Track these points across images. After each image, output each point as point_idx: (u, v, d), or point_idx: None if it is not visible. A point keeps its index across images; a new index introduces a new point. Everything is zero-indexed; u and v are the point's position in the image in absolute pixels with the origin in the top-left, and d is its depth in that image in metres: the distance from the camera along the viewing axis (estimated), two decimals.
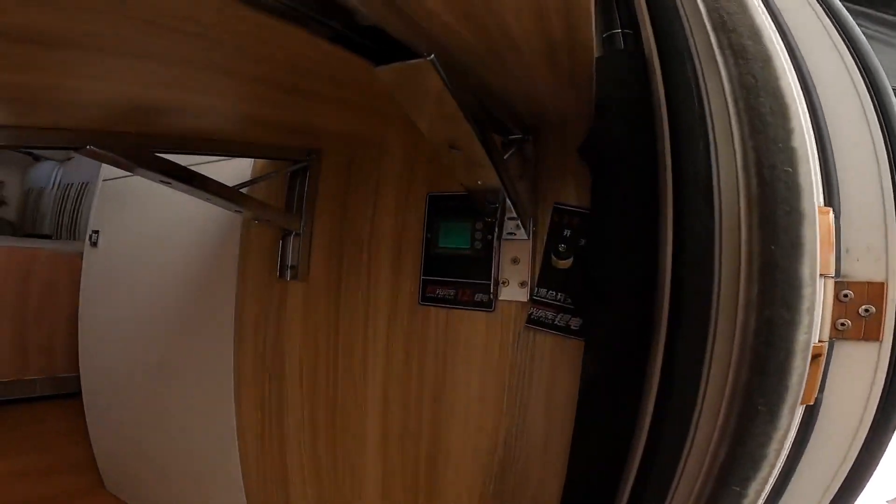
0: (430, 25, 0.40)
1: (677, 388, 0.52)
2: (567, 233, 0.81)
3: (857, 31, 0.57)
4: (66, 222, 2.97)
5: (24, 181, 3.50)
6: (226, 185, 0.87)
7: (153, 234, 1.43)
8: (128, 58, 0.43)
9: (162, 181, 0.76)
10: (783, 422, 0.39)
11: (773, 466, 0.41)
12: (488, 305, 0.87)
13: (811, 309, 0.38)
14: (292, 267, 1.08)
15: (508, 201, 0.67)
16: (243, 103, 0.63)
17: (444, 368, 0.91)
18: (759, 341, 0.38)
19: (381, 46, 0.36)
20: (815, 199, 0.38)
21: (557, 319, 0.81)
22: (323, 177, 1.10)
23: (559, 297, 0.81)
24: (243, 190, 0.92)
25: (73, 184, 3.04)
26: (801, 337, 0.38)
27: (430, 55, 0.33)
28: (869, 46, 0.54)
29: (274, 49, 0.44)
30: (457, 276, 0.90)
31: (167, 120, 0.72)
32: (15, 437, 1.86)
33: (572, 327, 0.80)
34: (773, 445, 0.40)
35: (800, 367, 0.38)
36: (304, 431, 1.08)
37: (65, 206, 3.02)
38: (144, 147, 0.74)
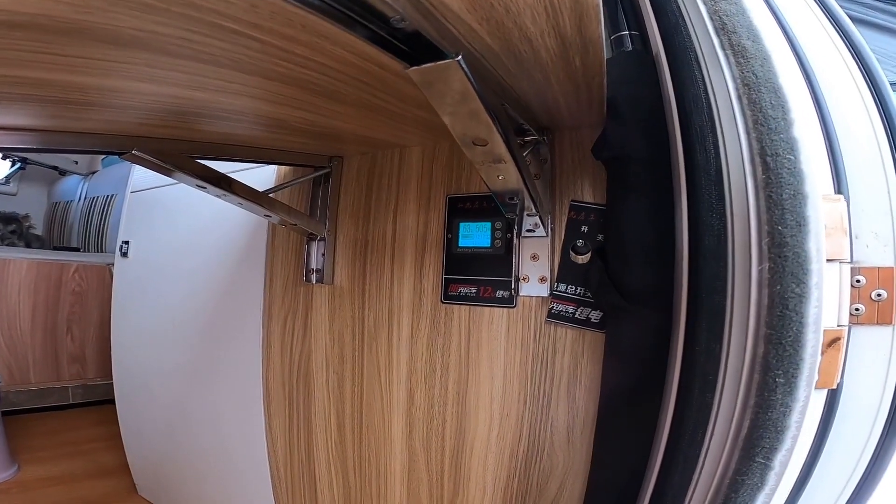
0: (456, 28, 0.43)
1: (699, 369, 0.54)
2: (584, 228, 0.84)
3: (851, 26, 0.60)
4: (92, 234, 3.05)
5: (50, 195, 3.61)
6: (256, 190, 0.92)
7: (181, 242, 1.48)
8: (185, 59, 0.47)
9: (198, 185, 0.81)
10: (801, 393, 0.42)
11: (795, 438, 0.44)
12: (510, 302, 0.90)
13: (819, 284, 0.40)
14: (318, 271, 1.13)
15: (528, 198, 0.70)
16: (280, 107, 0.67)
17: (467, 364, 0.94)
18: (773, 315, 0.41)
19: (414, 51, 0.40)
20: (818, 182, 0.41)
21: (578, 313, 0.84)
22: (345, 182, 1.15)
23: (578, 291, 0.84)
24: (270, 195, 0.96)
25: (98, 197, 3.14)
26: (811, 310, 0.40)
27: (458, 55, 0.37)
28: (864, 41, 0.57)
29: (317, 53, 0.48)
30: (478, 275, 0.94)
31: (204, 125, 0.76)
32: (52, 444, 1.92)
33: (592, 320, 0.83)
34: (794, 416, 0.42)
35: (812, 339, 0.41)
36: (332, 431, 1.12)
37: (91, 219, 3.11)
38: (183, 152, 0.79)
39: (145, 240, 1.62)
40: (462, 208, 0.97)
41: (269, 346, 1.23)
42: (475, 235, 0.94)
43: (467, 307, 0.95)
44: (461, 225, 0.96)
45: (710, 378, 0.50)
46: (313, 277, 1.13)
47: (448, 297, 0.97)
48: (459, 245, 0.96)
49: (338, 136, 0.97)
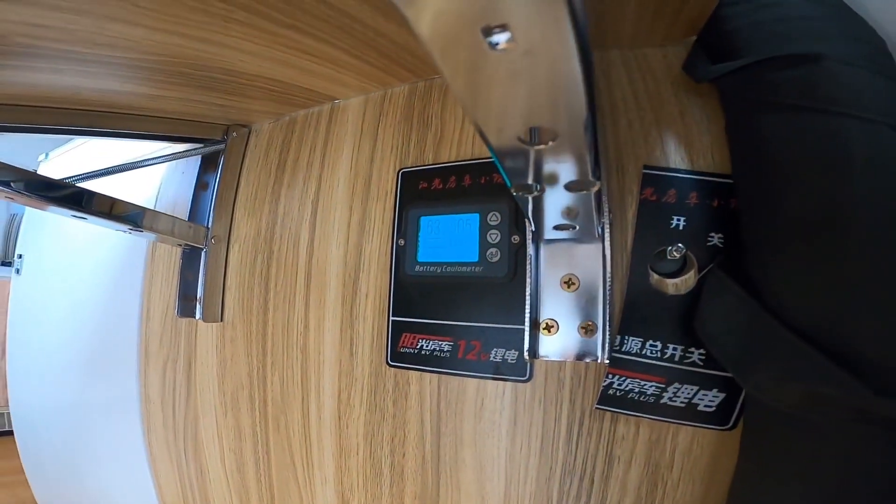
0: None
1: None
2: (679, 221, 0.40)
3: None
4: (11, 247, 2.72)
5: (9, 205, 3.24)
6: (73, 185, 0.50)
7: (69, 257, 1.08)
8: None
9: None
10: None
11: None
12: (518, 370, 0.46)
13: None
14: (197, 299, 0.68)
15: (583, 142, 0.24)
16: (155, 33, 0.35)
17: (437, 471, 0.51)
18: None
19: None
20: None
21: (668, 394, 0.39)
22: (248, 163, 0.72)
23: (669, 350, 0.40)
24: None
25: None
26: None
27: None
28: None
29: None
30: (455, 316, 0.49)
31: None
32: None
33: (702, 407, 0.39)
34: None
35: None
36: None
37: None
38: None
39: (38, 255, 1.23)
40: (425, 191, 0.52)
41: (147, 400, 0.80)
42: (450, 240, 0.49)
43: (436, 376, 0.50)
44: (423, 221, 0.51)
45: None
46: (194, 310, 0.69)
47: (398, 355, 0.52)
48: (419, 259, 0.51)
49: (239, 88, 0.59)
